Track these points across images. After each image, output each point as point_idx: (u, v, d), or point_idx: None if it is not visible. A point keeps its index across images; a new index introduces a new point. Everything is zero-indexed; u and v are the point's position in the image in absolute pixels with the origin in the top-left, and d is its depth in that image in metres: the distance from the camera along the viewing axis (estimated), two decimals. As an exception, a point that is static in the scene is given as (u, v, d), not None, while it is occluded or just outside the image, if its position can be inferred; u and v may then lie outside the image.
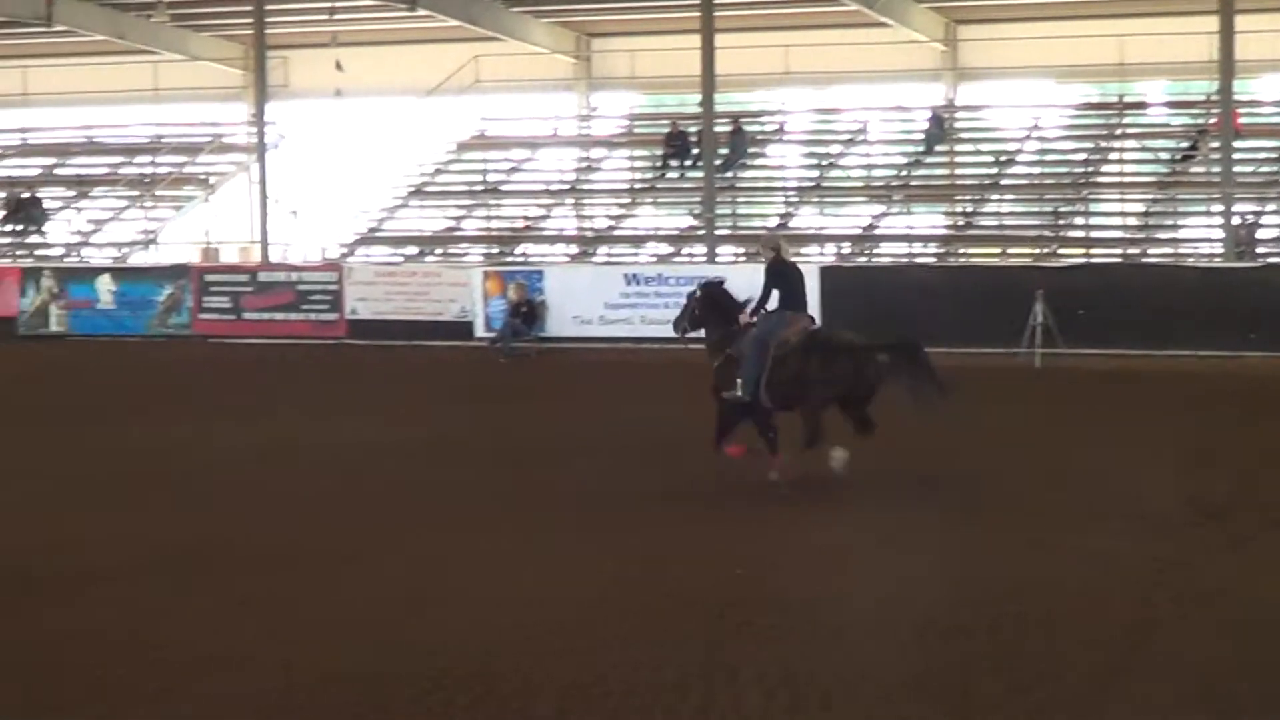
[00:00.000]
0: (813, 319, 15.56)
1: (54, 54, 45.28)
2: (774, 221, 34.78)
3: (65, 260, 36.86)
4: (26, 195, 38.93)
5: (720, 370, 14.89)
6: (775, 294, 14.97)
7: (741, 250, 33.24)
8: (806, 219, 36.21)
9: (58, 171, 42.90)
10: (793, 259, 15.96)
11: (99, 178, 41.95)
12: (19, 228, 38.65)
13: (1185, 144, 35.40)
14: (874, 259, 33.44)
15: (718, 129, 34.45)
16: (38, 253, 37.91)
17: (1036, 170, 36.30)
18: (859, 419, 14.47)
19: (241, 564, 11.51)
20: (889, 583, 10.77)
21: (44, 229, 38.86)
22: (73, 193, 41.35)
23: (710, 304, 15.31)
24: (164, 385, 25.14)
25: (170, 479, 15.51)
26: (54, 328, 32.74)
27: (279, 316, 31.79)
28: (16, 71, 46.48)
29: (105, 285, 32.77)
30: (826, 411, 14.43)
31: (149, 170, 41.19)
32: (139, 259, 37.11)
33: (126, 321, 32.36)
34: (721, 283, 15.72)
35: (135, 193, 40.38)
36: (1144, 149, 36.46)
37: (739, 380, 14.56)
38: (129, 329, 32.18)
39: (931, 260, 33.01)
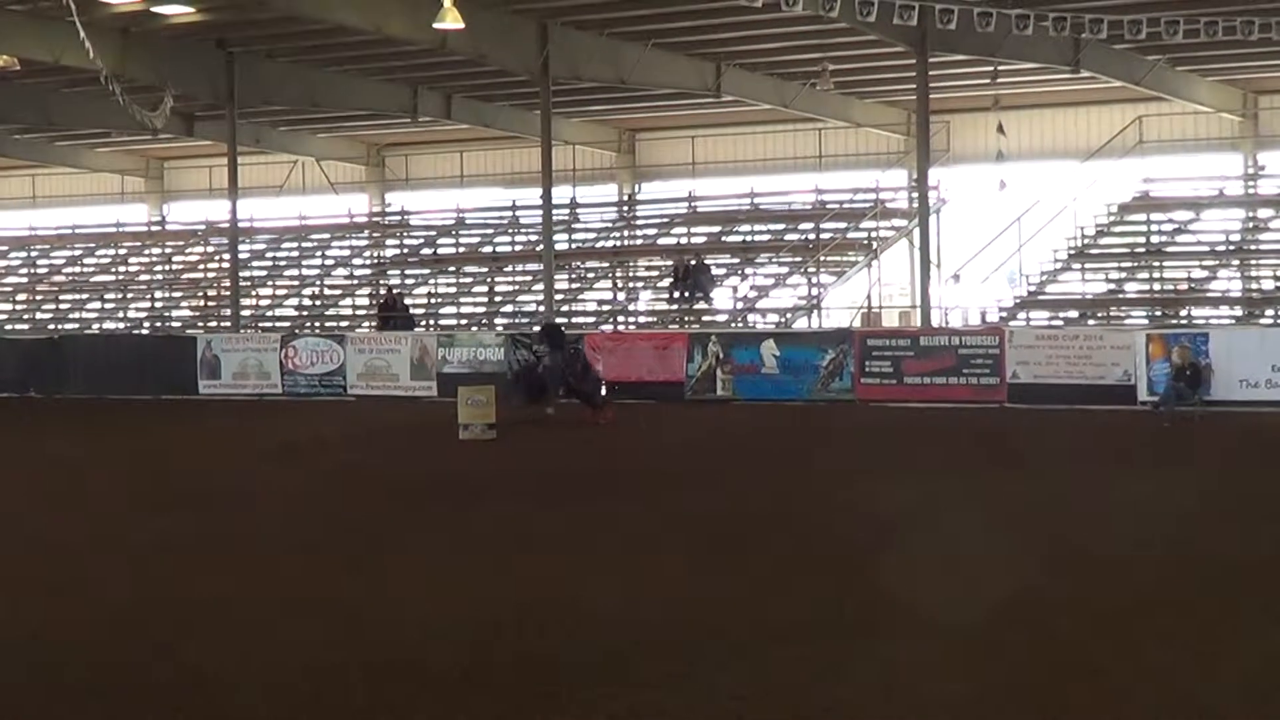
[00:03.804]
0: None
1: (721, 124, 46.90)
2: None
3: (730, 326, 37.89)
4: (694, 262, 40.18)
5: None
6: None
7: None
8: None
9: (724, 239, 44.26)
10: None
11: (763, 244, 43.06)
12: (686, 294, 39.94)
13: None
14: None
15: None
16: (704, 319, 39.11)
17: None
18: None
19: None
20: None
21: (711, 295, 40.03)
22: (737, 259, 42.54)
23: None
24: (825, 448, 25.46)
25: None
26: (719, 392, 33.58)
27: (940, 380, 31.74)
28: (685, 141, 48.33)
29: (769, 350, 33.43)
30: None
31: (811, 236, 41.97)
32: (801, 324, 37.82)
33: (789, 386, 32.89)
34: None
35: (798, 259, 41.20)
36: None
37: None
38: (792, 393, 32.68)
39: None
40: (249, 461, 24.43)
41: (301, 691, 10.02)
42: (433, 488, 20.43)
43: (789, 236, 42.79)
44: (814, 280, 40.30)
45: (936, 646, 10.91)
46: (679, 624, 11.73)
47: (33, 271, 53.64)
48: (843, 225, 42.28)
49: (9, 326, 48.14)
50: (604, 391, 30.55)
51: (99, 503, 19.57)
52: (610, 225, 47.79)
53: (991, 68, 36.94)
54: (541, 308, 39.72)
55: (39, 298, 51.47)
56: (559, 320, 34.93)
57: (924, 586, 12.91)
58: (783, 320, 38.35)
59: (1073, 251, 38.99)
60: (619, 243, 46.38)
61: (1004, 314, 36.30)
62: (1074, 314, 36.14)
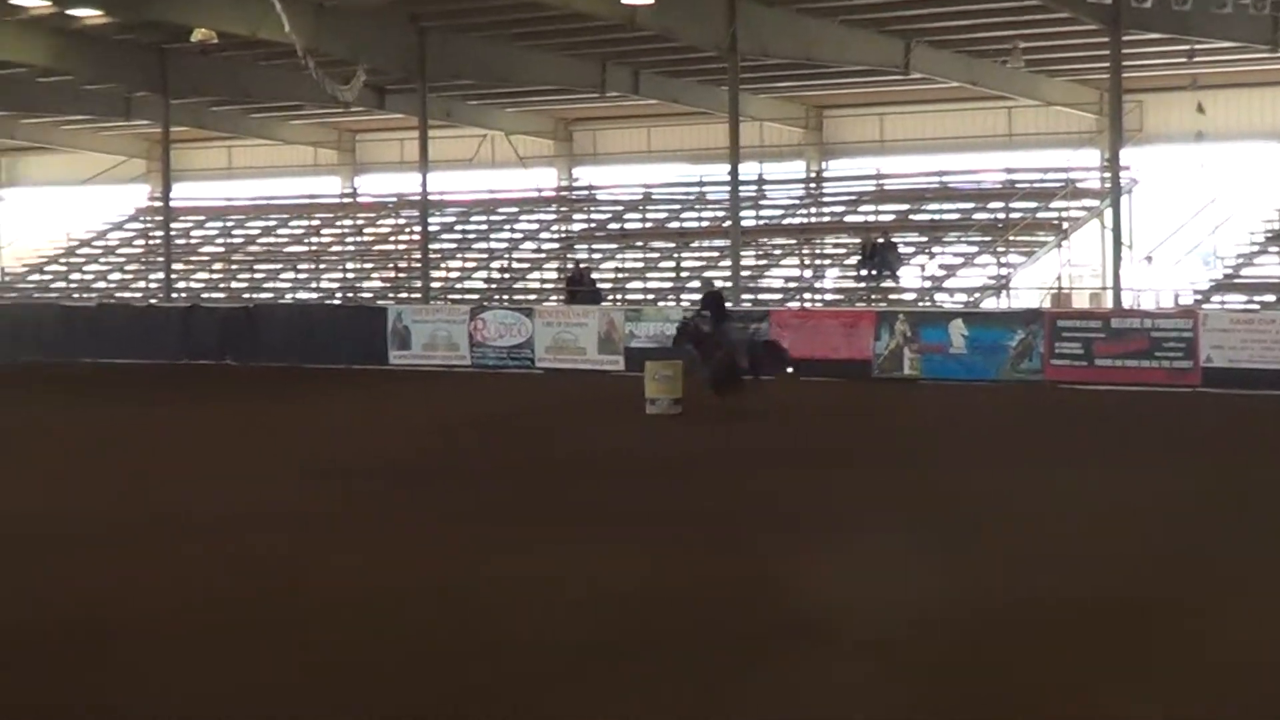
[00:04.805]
0: None
1: (909, 101, 46.58)
2: None
3: (918, 305, 37.67)
4: (881, 240, 39.98)
5: None
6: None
7: None
8: None
9: (912, 217, 43.98)
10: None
11: (951, 223, 42.73)
12: (874, 272, 39.75)
13: None
14: None
15: None
16: (891, 297, 38.91)
17: None
18: None
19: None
20: None
21: (898, 274, 39.82)
22: (925, 238, 42.27)
23: None
24: (1012, 430, 25.23)
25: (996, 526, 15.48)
26: (906, 371, 33.41)
27: (1131, 364, 31.30)
28: (873, 118, 48.12)
29: (957, 330, 33.18)
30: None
31: (1001, 216, 41.60)
32: (990, 304, 37.50)
33: (978, 366, 32.63)
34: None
35: (987, 238, 40.84)
36: None
37: None
38: (980, 374, 32.41)
39: None
40: (437, 433, 24.73)
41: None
42: (617, 463, 20.59)
43: (978, 216, 42.42)
44: (1003, 260, 39.95)
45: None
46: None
47: (228, 241, 54.62)
48: (1032, 205, 41.86)
49: (206, 295, 49.09)
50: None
51: (283, 470, 19.92)
52: (797, 202, 47.69)
53: (1188, 46, 36.30)
54: (728, 284, 39.74)
55: (234, 267, 52.41)
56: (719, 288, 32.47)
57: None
58: (971, 300, 38.04)
59: (1270, 234, 38.25)
60: (806, 220, 46.26)
61: (1198, 296, 35.72)
62: (1271, 297, 35.45)
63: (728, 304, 30.16)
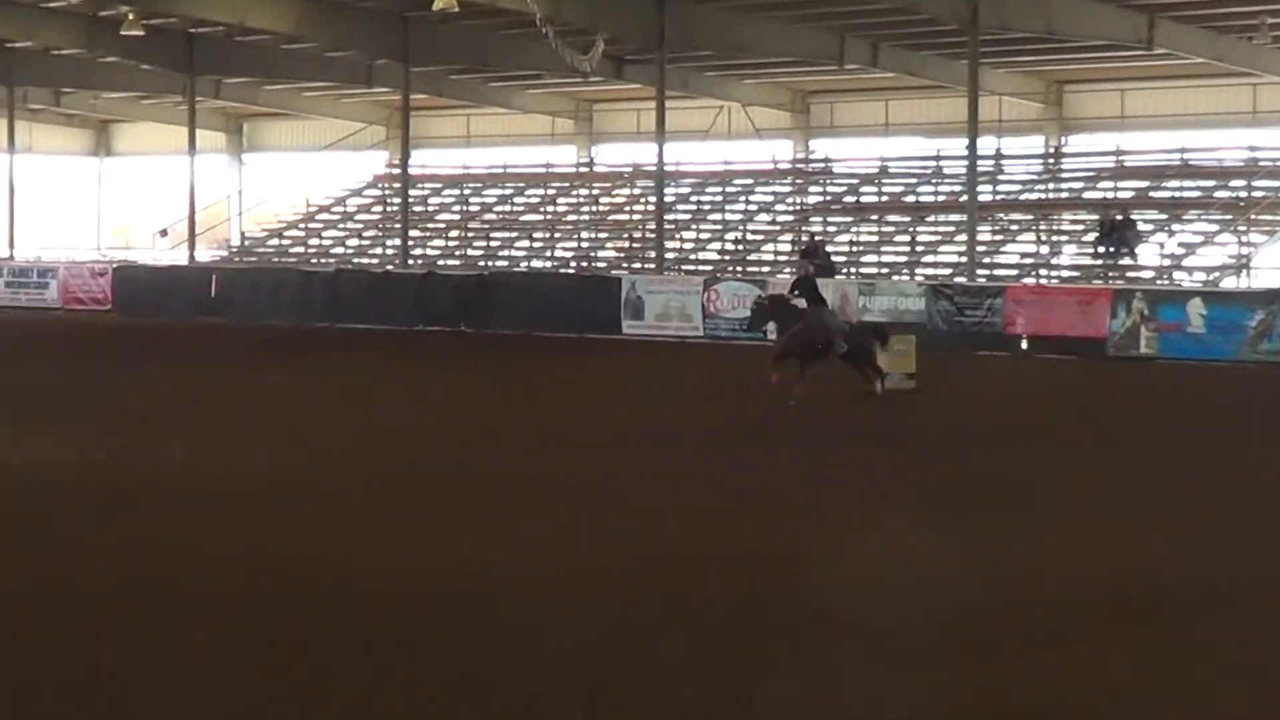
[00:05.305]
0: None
1: (1151, 76, 45.88)
2: None
3: (1156, 283, 37.11)
4: (1120, 217, 39.42)
5: None
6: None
7: None
8: None
9: (1151, 194, 43.29)
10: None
11: (1192, 201, 41.98)
12: (1111, 249, 39.24)
13: None
14: None
15: None
16: (1129, 275, 38.39)
17: None
18: None
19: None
20: None
21: (1136, 251, 39.25)
22: (1165, 216, 41.58)
23: None
24: (1239, 411, 24.78)
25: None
26: (1143, 350, 32.98)
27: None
28: (1114, 94, 47.43)
29: (1196, 309, 32.66)
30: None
31: (1243, 194, 40.77)
32: (1229, 283, 36.83)
33: (1216, 346, 32.10)
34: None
35: (1228, 217, 40.07)
36: None
37: None
38: (1218, 354, 31.87)
39: None
40: (670, 403, 24.92)
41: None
42: (845, 437, 20.65)
43: (1219, 194, 41.60)
44: (1244, 239, 39.18)
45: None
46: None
47: (465, 209, 55.44)
48: (1276, 184, 40.93)
49: (441, 262, 49.91)
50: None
51: (492, 436, 20.24)
52: (1035, 178, 47.15)
53: None
54: (963, 259, 39.50)
55: (470, 235, 53.20)
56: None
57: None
58: (1210, 279, 37.39)
59: None
60: (1043, 196, 45.74)
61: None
62: None
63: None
